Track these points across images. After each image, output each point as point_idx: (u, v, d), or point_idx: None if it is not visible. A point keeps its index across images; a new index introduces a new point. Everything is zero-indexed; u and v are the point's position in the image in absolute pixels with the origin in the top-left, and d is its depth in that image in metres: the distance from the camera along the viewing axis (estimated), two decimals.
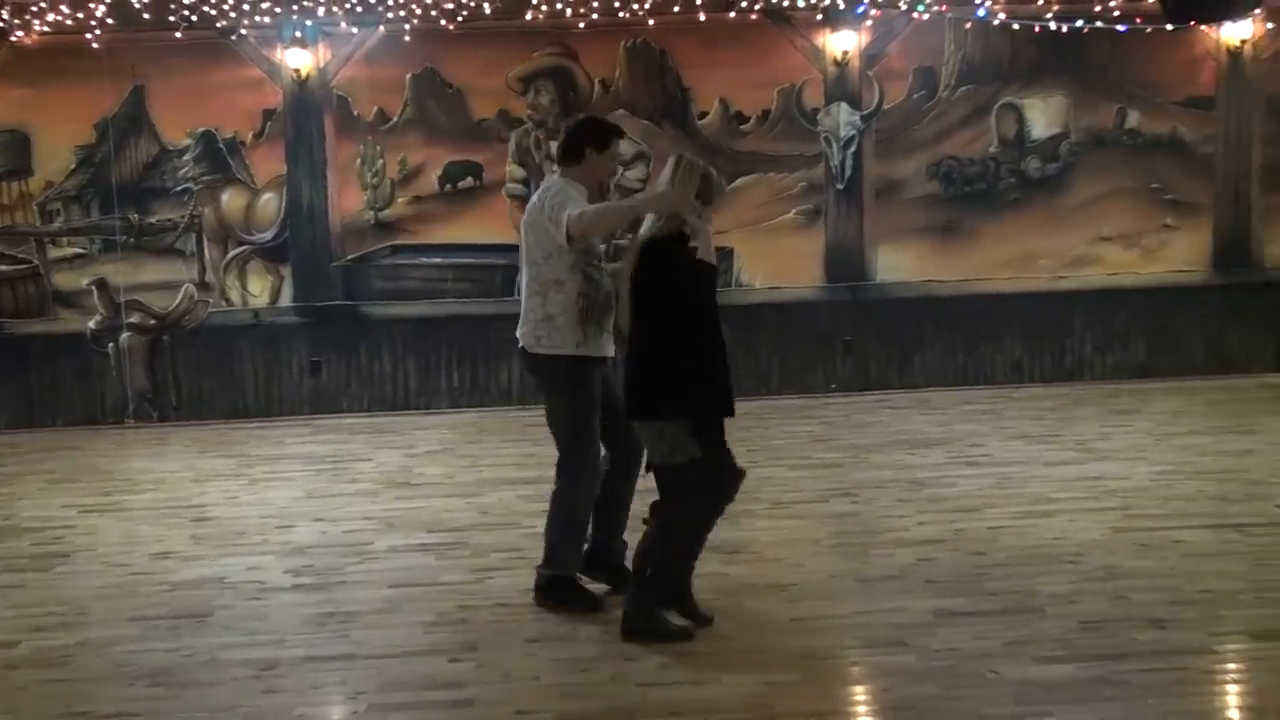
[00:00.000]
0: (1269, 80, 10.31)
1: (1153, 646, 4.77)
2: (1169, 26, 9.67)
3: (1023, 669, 4.61)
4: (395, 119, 10.03)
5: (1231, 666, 4.71)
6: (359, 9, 9.62)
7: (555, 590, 5.39)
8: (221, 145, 9.96)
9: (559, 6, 9.71)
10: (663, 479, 4.95)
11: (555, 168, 5.48)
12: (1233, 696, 4.50)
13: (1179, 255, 10.44)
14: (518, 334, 5.40)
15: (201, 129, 9.93)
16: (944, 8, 9.93)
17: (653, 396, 4.86)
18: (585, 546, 5.46)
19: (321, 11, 9.65)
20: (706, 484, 4.89)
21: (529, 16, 9.77)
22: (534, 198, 5.40)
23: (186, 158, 9.95)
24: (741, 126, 10.17)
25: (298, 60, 9.83)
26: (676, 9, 9.78)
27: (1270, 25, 10.18)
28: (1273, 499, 6.79)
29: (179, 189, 9.97)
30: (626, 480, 5.43)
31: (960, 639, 4.94)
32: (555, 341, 5.22)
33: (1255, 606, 5.17)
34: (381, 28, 9.81)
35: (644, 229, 4.98)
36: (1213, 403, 9.56)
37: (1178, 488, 7.09)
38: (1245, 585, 5.42)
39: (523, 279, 5.38)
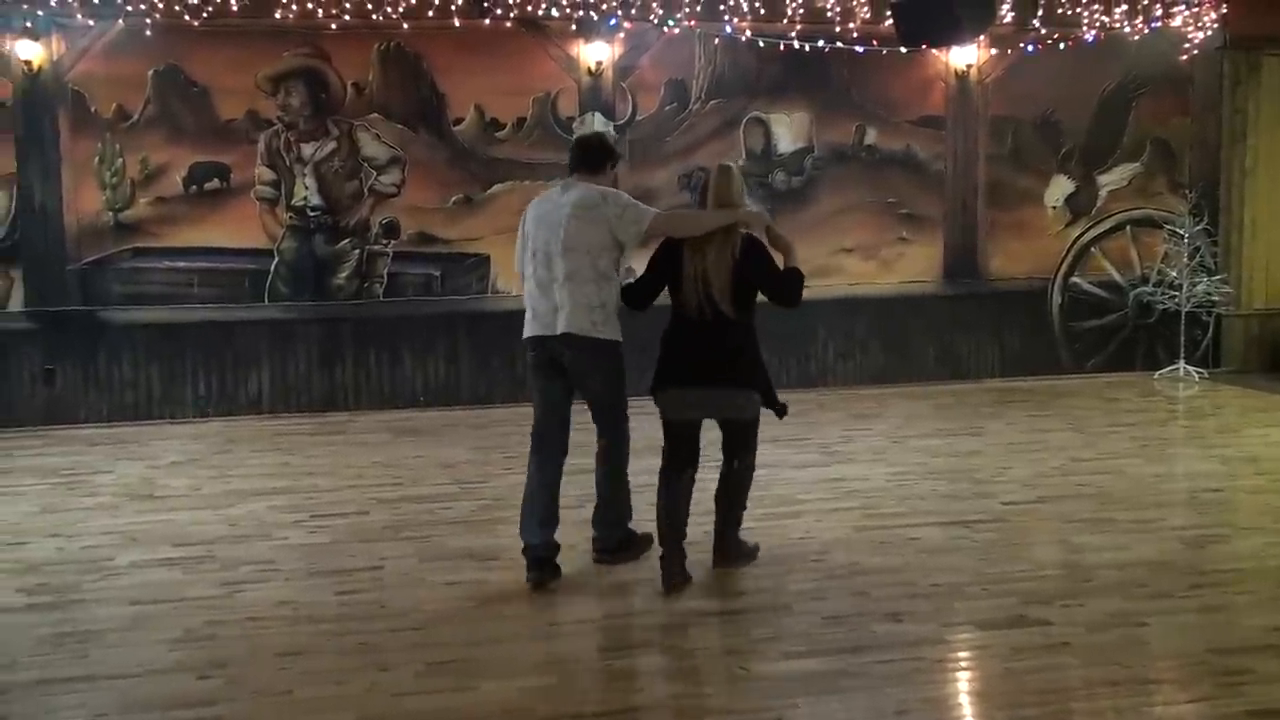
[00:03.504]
0: (993, 102, 10.98)
1: (890, 639, 5.02)
2: (903, 49, 10.20)
3: (771, 664, 4.78)
4: (136, 117, 9.63)
5: (961, 655, 5.00)
6: (96, 0, 9.21)
7: (628, 545, 6.04)
8: None
9: (310, 6, 9.53)
10: (746, 435, 5.84)
11: (571, 175, 5.98)
12: (963, 683, 4.78)
13: (913, 266, 11.00)
14: (559, 321, 5.71)
15: None
16: (693, 23, 10.21)
17: (757, 369, 5.73)
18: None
19: (54, 2, 9.20)
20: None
21: (278, 15, 9.54)
22: (579, 195, 5.78)
23: None
24: (497, 133, 10.19)
25: (28, 52, 9.32)
26: (431, 14, 9.73)
27: (994, 50, 10.85)
28: (997, 497, 7.24)
29: None
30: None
31: (711, 638, 5.10)
32: (610, 328, 5.76)
33: (982, 598, 5.50)
34: (120, 21, 9.41)
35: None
36: (943, 406, 10.11)
37: (913, 488, 7.47)
38: (973, 578, 5.76)
39: (557, 270, 5.71)
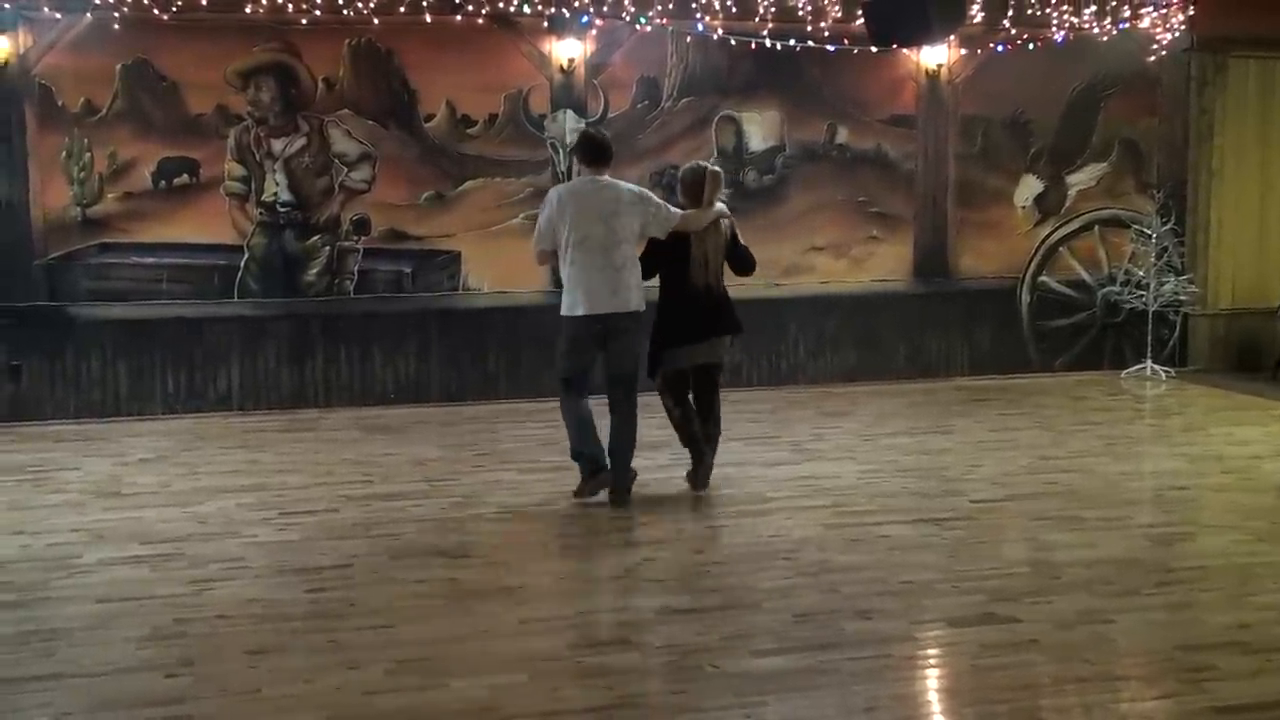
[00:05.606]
0: (963, 101, 11.04)
1: (860, 636, 5.04)
2: (874, 48, 10.23)
3: (741, 662, 4.79)
4: (104, 111, 9.55)
5: (931, 652, 5.03)
6: None
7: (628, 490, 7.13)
8: None
9: (280, 1, 9.48)
10: (718, 375, 7.36)
11: (583, 168, 7.15)
12: (931, 680, 4.82)
13: (884, 265, 11.04)
14: (621, 301, 6.88)
15: None
16: (665, 21, 10.21)
17: (736, 320, 7.26)
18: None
19: None
20: None
21: (248, 10, 9.48)
22: (621, 193, 6.95)
23: None
24: (468, 130, 10.16)
25: None
26: (402, 10, 9.70)
27: (964, 50, 10.90)
28: (967, 494, 7.28)
29: None
30: None
31: (682, 635, 5.10)
32: (643, 299, 7.01)
33: (951, 595, 5.54)
34: (89, 15, 9.33)
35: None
36: (914, 404, 10.15)
37: (883, 485, 7.51)
38: (943, 575, 5.80)
39: (614, 258, 6.87)
